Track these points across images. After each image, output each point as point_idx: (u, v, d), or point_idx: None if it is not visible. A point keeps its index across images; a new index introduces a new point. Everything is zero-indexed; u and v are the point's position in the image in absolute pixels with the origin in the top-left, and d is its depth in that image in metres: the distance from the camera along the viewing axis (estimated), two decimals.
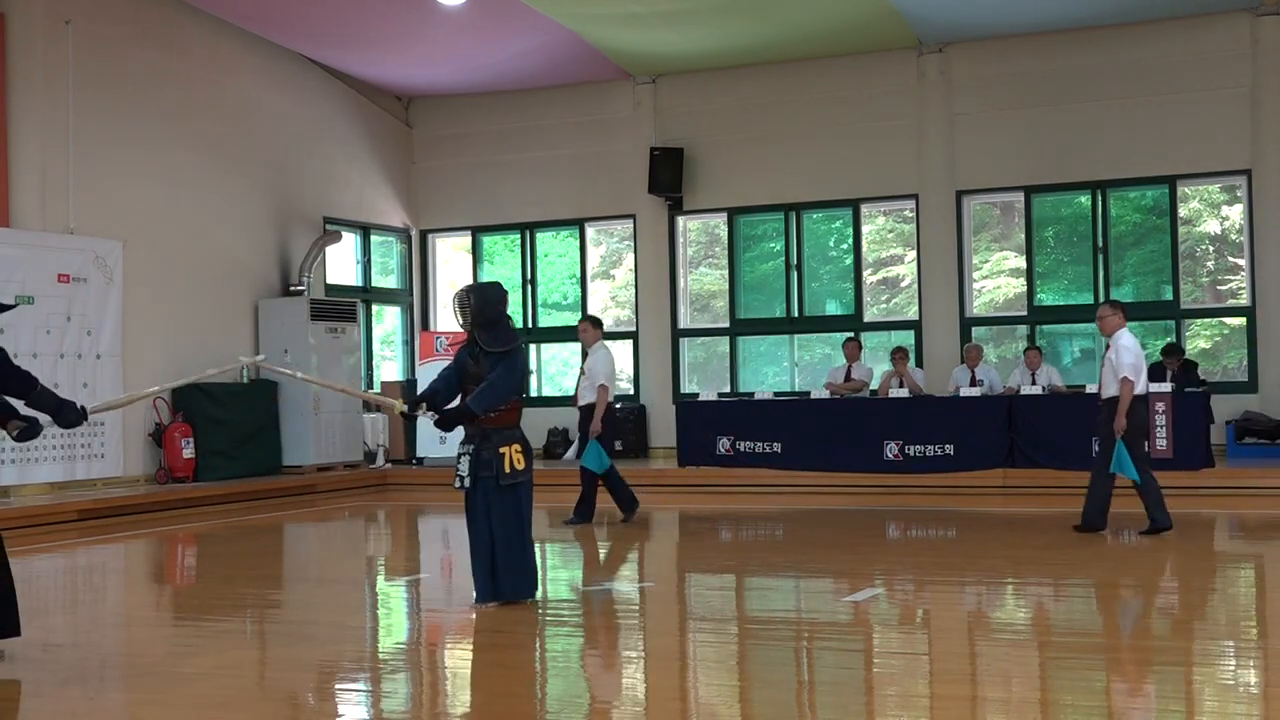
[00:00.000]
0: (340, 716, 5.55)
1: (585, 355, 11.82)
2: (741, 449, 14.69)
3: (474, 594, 7.57)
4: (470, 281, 15.96)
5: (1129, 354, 9.98)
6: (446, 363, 7.85)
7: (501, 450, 7.42)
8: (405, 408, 7.67)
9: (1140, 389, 10.06)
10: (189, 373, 15.35)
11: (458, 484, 7.54)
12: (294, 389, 16.11)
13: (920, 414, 14.38)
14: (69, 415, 6.44)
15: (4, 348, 6.37)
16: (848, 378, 15.40)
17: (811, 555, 9.95)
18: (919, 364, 16.55)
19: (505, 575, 7.49)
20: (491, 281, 8.23)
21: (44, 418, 6.39)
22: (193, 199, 15.96)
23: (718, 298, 18.71)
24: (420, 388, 16.45)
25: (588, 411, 11.41)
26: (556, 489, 15.86)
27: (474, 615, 7.35)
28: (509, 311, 7.83)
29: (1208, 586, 8.44)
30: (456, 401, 7.64)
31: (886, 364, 15.96)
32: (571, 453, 11.96)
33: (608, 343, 12.14)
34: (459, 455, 7.57)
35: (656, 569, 10.08)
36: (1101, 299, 16.55)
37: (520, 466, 7.48)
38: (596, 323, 11.83)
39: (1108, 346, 10.24)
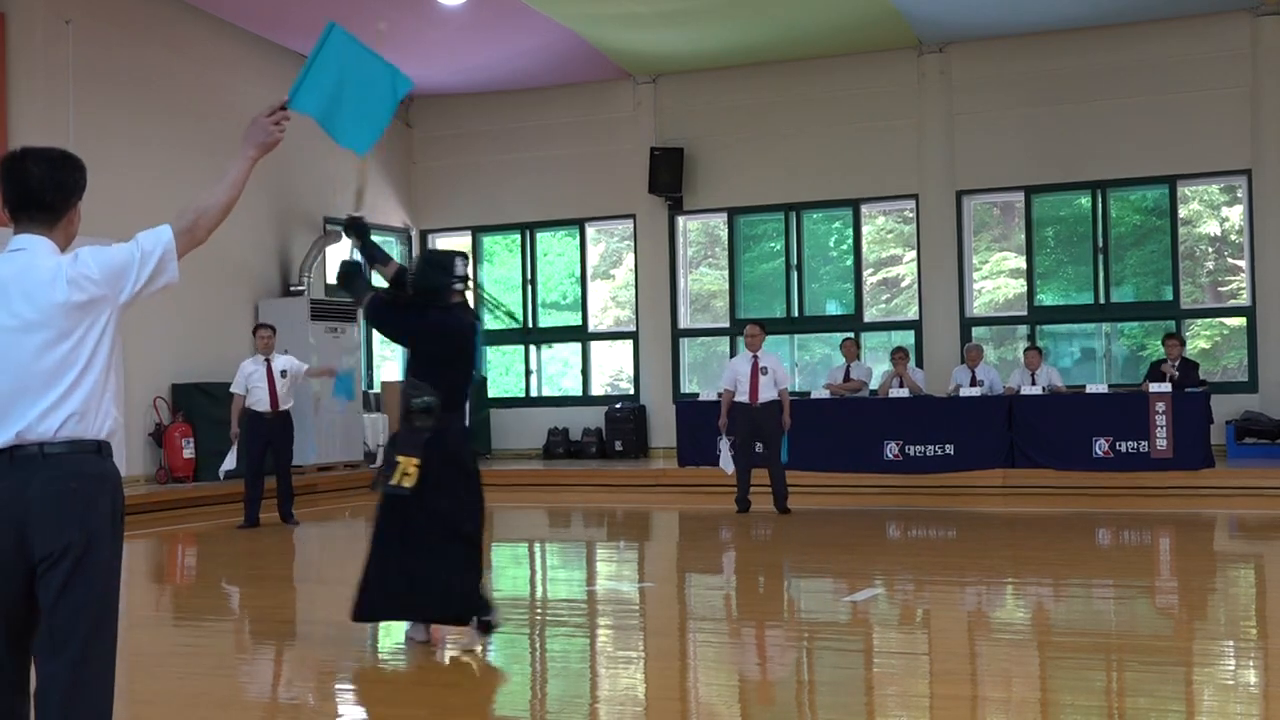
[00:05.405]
0: (340, 716, 5.55)
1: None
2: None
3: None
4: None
5: (784, 364, 12.33)
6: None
7: (398, 459, 6.33)
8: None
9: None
10: (189, 373, 15.46)
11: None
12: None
13: (920, 414, 14.37)
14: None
15: None
16: (847, 378, 15.39)
17: (811, 555, 9.95)
18: (919, 364, 16.53)
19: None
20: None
21: None
22: (193, 199, 15.93)
23: (718, 298, 18.71)
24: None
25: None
26: (557, 489, 15.94)
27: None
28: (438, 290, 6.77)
29: (1208, 586, 8.43)
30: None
31: (886, 364, 15.95)
32: (229, 461, 12.49)
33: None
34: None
35: (656, 569, 10.09)
36: (1102, 299, 16.58)
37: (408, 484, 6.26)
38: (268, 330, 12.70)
39: (755, 359, 12.22)
